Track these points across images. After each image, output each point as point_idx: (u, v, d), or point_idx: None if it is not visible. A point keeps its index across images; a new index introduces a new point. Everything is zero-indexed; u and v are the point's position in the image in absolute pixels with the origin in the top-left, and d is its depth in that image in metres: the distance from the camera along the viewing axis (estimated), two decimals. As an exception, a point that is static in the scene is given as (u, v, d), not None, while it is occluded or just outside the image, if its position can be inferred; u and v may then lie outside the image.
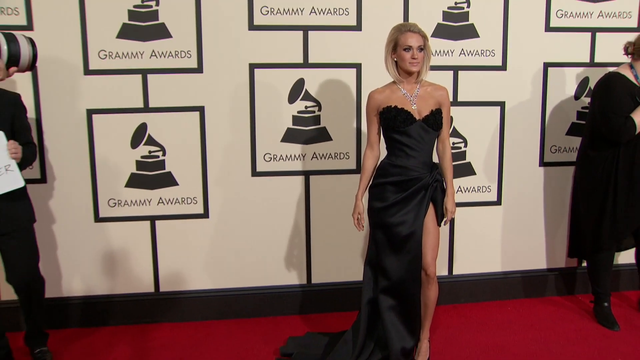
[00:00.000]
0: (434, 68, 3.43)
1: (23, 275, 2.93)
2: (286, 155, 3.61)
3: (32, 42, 2.73)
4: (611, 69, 3.67)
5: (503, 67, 3.71)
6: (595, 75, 3.78)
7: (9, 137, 2.76)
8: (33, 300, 3.04)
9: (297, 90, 3.56)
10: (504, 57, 3.71)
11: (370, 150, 3.00)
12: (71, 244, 3.53)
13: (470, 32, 3.66)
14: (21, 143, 2.83)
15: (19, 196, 2.83)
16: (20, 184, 2.76)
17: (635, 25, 3.81)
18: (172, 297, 3.64)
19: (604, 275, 3.57)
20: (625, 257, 4.00)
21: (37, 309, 3.08)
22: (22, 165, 2.84)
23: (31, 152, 2.94)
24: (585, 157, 3.49)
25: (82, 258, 3.55)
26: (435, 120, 2.84)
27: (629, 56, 3.34)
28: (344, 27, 3.53)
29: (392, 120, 2.82)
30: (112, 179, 3.49)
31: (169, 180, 3.53)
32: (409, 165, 2.84)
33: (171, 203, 3.56)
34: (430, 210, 2.90)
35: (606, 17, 3.78)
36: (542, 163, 3.88)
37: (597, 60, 3.81)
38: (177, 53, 3.41)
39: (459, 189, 3.79)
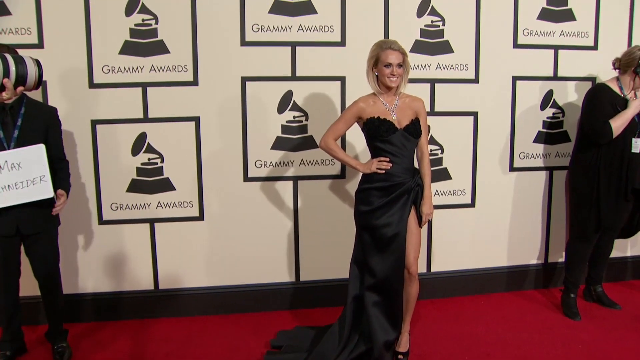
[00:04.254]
0: (413, 81, 3.43)
1: (48, 270, 2.98)
2: (276, 162, 3.62)
3: (38, 64, 2.74)
4: (574, 82, 3.79)
5: (476, 80, 3.76)
6: (559, 88, 3.88)
7: None
8: (54, 294, 3.06)
9: (285, 102, 3.57)
10: (476, 71, 3.75)
11: (332, 140, 2.93)
12: (78, 245, 3.52)
13: (445, 47, 3.70)
14: (52, 157, 2.85)
15: (47, 203, 2.84)
16: (50, 194, 2.79)
17: (592, 44, 3.89)
18: (171, 294, 3.64)
19: (579, 266, 3.65)
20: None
21: (57, 303, 3.10)
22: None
23: (66, 178, 2.99)
24: (575, 160, 3.61)
25: (88, 258, 3.54)
26: (415, 129, 2.87)
27: (617, 70, 3.47)
28: (329, 43, 3.55)
29: (376, 130, 2.83)
30: (114, 185, 3.49)
31: (166, 186, 3.54)
32: (393, 171, 2.85)
33: (169, 207, 3.56)
34: (413, 213, 2.92)
35: (567, 36, 3.85)
36: (512, 168, 3.92)
37: (560, 74, 3.89)
38: (174, 67, 3.43)
39: (436, 193, 3.81)
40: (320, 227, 3.75)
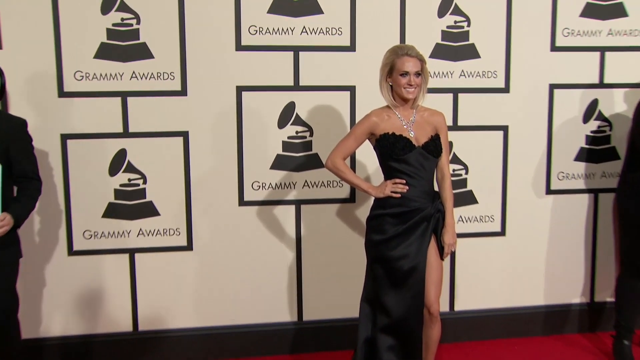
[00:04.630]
0: (432, 91, 3.45)
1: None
2: (276, 184, 3.62)
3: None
4: (622, 90, 3.74)
5: (506, 89, 3.75)
6: (605, 97, 3.86)
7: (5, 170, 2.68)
8: (8, 342, 2.84)
9: (287, 115, 3.59)
10: (506, 79, 3.74)
11: (340, 159, 2.94)
12: (43, 280, 3.49)
13: (470, 52, 3.70)
14: (16, 176, 2.77)
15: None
16: None
17: (646, 44, 3.89)
18: (153, 336, 3.61)
19: (634, 306, 3.55)
20: None
21: (12, 353, 2.91)
22: (21, 222, 2.75)
23: (28, 199, 2.80)
24: (624, 182, 3.55)
25: (55, 295, 3.51)
26: (435, 147, 2.87)
27: None
28: (337, 48, 3.56)
29: (391, 148, 2.83)
30: (88, 209, 3.48)
31: (149, 210, 3.53)
32: (410, 195, 2.84)
33: (152, 234, 3.55)
34: (433, 243, 2.91)
35: (616, 35, 3.82)
36: (549, 191, 3.89)
37: (606, 81, 3.85)
38: (159, 74, 3.44)
39: (460, 219, 3.80)
40: (326, 259, 3.74)
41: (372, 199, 2.99)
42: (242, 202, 3.61)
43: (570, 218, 3.96)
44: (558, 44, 3.78)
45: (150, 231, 3.55)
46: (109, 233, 3.51)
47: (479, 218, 3.86)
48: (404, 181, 2.85)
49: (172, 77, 3.46)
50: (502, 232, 3.88)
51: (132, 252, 3.55)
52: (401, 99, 2.87)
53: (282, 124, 3.60)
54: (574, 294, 4.04)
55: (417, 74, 2.82)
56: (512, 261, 3.92)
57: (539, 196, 3.90)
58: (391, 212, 2.87)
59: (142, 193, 3.52)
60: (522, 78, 3.77)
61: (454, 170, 3.75)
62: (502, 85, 3.75)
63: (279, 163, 3.62)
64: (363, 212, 3.66)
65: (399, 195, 2.85)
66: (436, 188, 3.00)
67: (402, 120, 2.88)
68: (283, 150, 3.62)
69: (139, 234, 3.54)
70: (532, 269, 3.96)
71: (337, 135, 3.54)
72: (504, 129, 3.80)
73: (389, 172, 2.91)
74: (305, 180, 3.65)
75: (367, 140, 2.96)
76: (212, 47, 3.48)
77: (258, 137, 3.58)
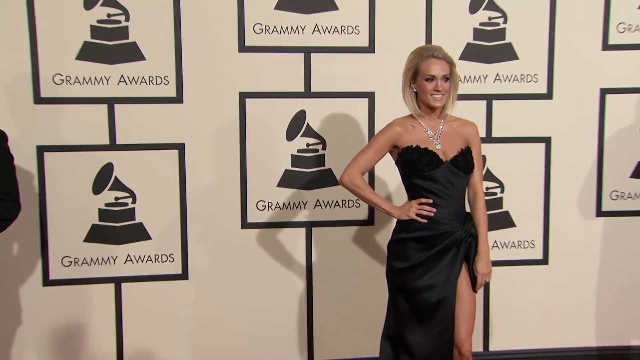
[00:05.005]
0: (463, 97, 3.40)
1: None
2: (283, 203, 3.63)
3: None
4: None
5: (548, 95, 3.74)
6: (665, 104, 3.83)
7: None
8: None
9: (297, 125, 3.61)
10: (549, 83, 3.73)
11: (358, 174, 2.90)
12: (15, 313, 3.49)
13: (507, 52, 3.69)
14: None
15: None
16: None
17: None
18: (141, 378, 3.62)
19: None
20: None
21: None
22: None
23: None
24: None
25: (27, 331, 3.52)
26: (465, 162, 2.84)
27: None
28: (354, 49, 3.58)
29: (415, 163, 2.80)
30: (68, 232, 3.48)
31: (139, 233, 3.54)
32: (437, 217, 2.81)
33: (142, 261, 3.56)
34: (464, 272, 2.89)
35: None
36: (600, 213, 3.86)
37: (668, 84, 3.81)
38: (151, 79, 3.46)
39: (495, 245, 3.78)
40: (341, 289, 3.73)
41: (394, 221, 2.98)
42: (245, 225, 3.62)
43: (625, 244, 3.91)
44: (611, 41, 3.76)
45: (139, 257, 3.56)
46: (91, 260, 3.51)
47: (517, 244, 3.83)
48: (431, 201, 2.82)
49: (166, 82, 3.48)
50: (545, 260, 3.85)
51: (118, 282, 3.55)
52: (427, 107, 2.85)
53: (291, 135, 3.62)
54: (632, 333, 3.97)
55: (445, 79, 2.80)
56: (556, 294, 3.88)
57: (587, 218, 3.87)
58: (416, 236, 2.85)
59: (130, 214, 3.53)
60: (567, 82, 3.75)
61: (487, 188, 3.73)
62: (543, 90, 3.74)
63: (288, 180, 3.63)
64: (384, 236, 3.66)
65: (424, 220, 2.82)
66: (467, 209, 2.97)
67: (428, 132, 2.86)
68: (292, 165, 3.63)
69: (126, 260, 3.55)
70: (581, 303, 3.91)
71: (354, 148, 3.49)
72: (546, 140, 3.78)
73: (413, 191, 2.88)
74: (318, 199, 3.66)
75: (388, 155, 2.94)
76: (211, 47, 3.50)
77: (264, 151, 3.60)
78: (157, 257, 3.58)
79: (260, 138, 3.59)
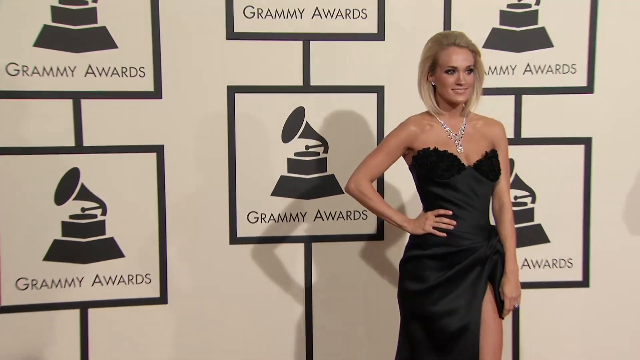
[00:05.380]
0: (488, 92, 3.23)
1: None
2: (279, 215, 3.64)
3: None
4: None
5: (589, 89, 3.73)
6: None
7: None
8: None
9: (294, 124, 3.61)
10: (590, 74, 3.72)
11: (366, 181, 2.91)
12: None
13: (540, 39, 3.69)
14: None
15: None
16: None
17: None
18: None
19: None
20: None
21: None
22: None
23: None
24: None
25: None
26: (491, 167, 2.82)
27: None
28: (361, 36, 3.58)
29: (433, 169, 2.76)
30: (24, 250, 3.45)
31: (110, 250, 3.52)
32: (458, 231, 2.79)
33: (113, 283, 3.54)
34: (490, 295, 2.86)
35: None
36: (650, 226, 3.78)
37: None
38: (124, 70, 3.45)
39: (525, 263, 3.77)
40: (345, 315, 3.74)
41: (408, 235, 2.94)
42: (234, 240, 3.62)
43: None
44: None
45: (110, 278, 3.53)
46: (53, 282, 3.48)
47: (552, 262, 3.82)
48: (450, 212, 2.79)
49: (142, 74, 3.47)
50: (585, 282, 3.84)
51: (84, 307, 3.52)
52: (447, 103, 2.83)
53: (287, 136, 3.62)
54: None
55: (469, 70, 2.77)
56: (598, 321, 3.86)
57: (635, 233, 3.85)
58: (433, 254, 2.83)
59: (100, 227, 3.51)
60: (611, 73, 3.73)
61: (516, 197, 3.73)
62: (583, 82, 3.73)
63: (284, 187, 3.63)
64: (395, 252, 3.64)
65: (443, 234, 2.80)
66: (492, 221, 2.94)
67: (449, 132, 2.84)
68: (289, 171, 3.63)
69: (94, 281, 3.52)
70: (630, 334, 3.88)
71: (361, 151, 3.43)
72: (586, 141, 3.77)
73: (429, 201, 2.86)
74: (318, 210, 3.66)
75: (401, 158, 2.92)
76: (195, 34, 3.50)
77: (256, 154, 3.60)
78: (131, 277, 3.56)
79: (251, 139, 3.58)
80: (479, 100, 2.87)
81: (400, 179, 3.41)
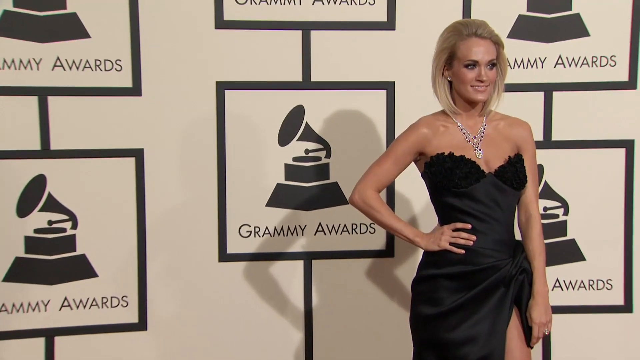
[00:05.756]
0: (513, 88, 3.44)
1: None
2: (275, 228, 3.65)
3: None
4: None
5: (631, 84, 3.73)
6: None
7: None
8: None
9: (292, 125, 3.64)
10: (632, 67, 3.72)
11: (372, 191, 2.92)
12: None
13: (574, 27, 3.69)
14: None
15: None
16: None
17: None
18: None
19: None
20: None
21: None
22: None
23: None
24: None
25: None
26: (515, 174, 2.78)
27: None
28: (368, 25, 3.61)
29: (448, 176, 2.74)
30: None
31: (81, 269, 3.52)
32: (478, 247, 2.78)
33: (84, 306, 3.54)
34: (515, 320, 2.84)
35: None
36: None
37: None
38: (98, 63, 3.46)
39: (557, 285, 3.79)
40: (349, 342, 3.74)
41: (420, 252, 2.94)
42: (223, 256, 3.64)
43: None
44: None
45: (81, 301, 3.54)
46: (14, 306, 3.47)
47: (589, 283, 3.81)
48: (469, 226, 2.78)
49: (119, 67, 3.48)
50: (627, 307, 3.84)
51: (50, 335, 3.51)
52: (466, 101, 2.82)
53: (285, 138, 3.64)
54: None
55: (492, 65, 2.75)
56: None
57: (685, 249, 3.69)
58: (450, 273, 2.82)
59: (69, 242, 3.51)
60: (657, 66, 3.61)
61: (546, 208, 3.75)
62: (624, 77, 3.73)
63: (280, 197, 3.65)
64: (407, 271, 3.66)
65: (461, 251, 2.79)
66: (518, 236, 2.91)
67: (466, 134, 2.83)
68: (286, 179, 3.65)
69: (63, 305, 3.52)
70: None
71: (367, 156, 3.47)
72: (628, 144, 3.77)
73: (445, 212, 2.85)
74: (320, 223, 3.68)
75: (412, 165, 2.92)
76: (179, 22, 3.51)
77: (249, 159, 3.63)
78: (105, 300, 3.56)
79: (244, 142, 3.60)
80: (501, 98, 2.84)
81: (412, 187, 3.39)
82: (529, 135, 2.90)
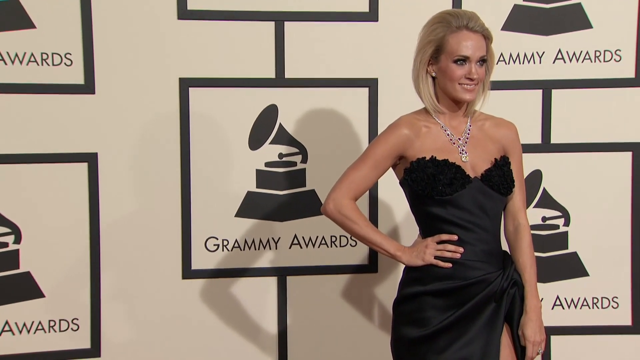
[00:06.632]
0: (507, 85, 3.49)
1: None
2: (245, 241, 3.64)
3: None
4: None
5: (638, 81, 3.72)
6: None
7: None
8: None
9: (265, 126, 3.63)
10: (638, 63, 3.71)
11: (349, 200, 2.87)
12: None
13: (575, 18, 3.68)
14: None
15: None
16: None
17: None
18: None
19: None
20: None
21: None
22: None
23: None
24: None
25: None
26: (502, 178, 2.77)
27: None
28: (348, 16, 3.60)
29: (430, 183, 2.69)
30: None
31: (25, 288, 3.48)
32: (465, 260, 2.75)
33: (28, 331, 3.50)
34: (507, 339, 2.82)
35: None
36: None
37: None
38: (45, 56, 3.41)
39: (558, 302, 3.80)
40: None
41: (402, 267, 2.88)
42: (188, 273, 3.61)
43: None
44: None
45: (25, 325, 3.49)
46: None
47: (592, 301, 3.81)
48: (456, 237, 2.74)
49: (69, 62, 3.44)
50: (635, 327, 3.84)
51: (-10, 363, 3.36)
52: (451, 100, 2.78)
53: (256, 141, 3.63)
54: None
55: (482, 61, 2.72)
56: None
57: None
58: (436, 290, 2.78)
59: (12, 258, 3.47)
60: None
61: (545, 218, 3.77)
62: (630, 73, 3.73)
63: (251, 206, 3.64)
64: (391, 288, 3.56)
65: (448, 265, 2.75)
66: (505, 246, 2.90)
67: (450, 135, 2.80)
68: (258, 186, 3.64)
69: (3, 330, 3.48)
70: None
71: (348, 161, 3.38)
72: (635, 147, 3.77)
73: (428, 223, 2.81)
74: (295, 235, 3.67)
75: (390, 170, 2.89)
76: (138, 12, 3.48)
77: (216, 164, 3.61)
78: (52, 324, 3.53)
79: (210, 146, 3.59)
80: (487, 96, 2.82)
81: (397, 193, 3.21)
82: (516, 137, 2.92)
